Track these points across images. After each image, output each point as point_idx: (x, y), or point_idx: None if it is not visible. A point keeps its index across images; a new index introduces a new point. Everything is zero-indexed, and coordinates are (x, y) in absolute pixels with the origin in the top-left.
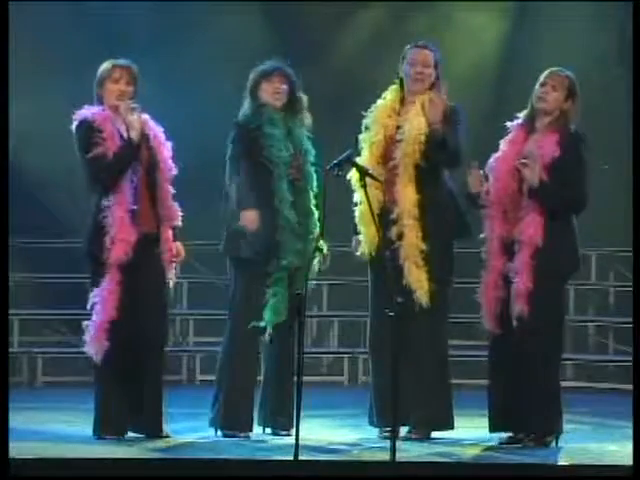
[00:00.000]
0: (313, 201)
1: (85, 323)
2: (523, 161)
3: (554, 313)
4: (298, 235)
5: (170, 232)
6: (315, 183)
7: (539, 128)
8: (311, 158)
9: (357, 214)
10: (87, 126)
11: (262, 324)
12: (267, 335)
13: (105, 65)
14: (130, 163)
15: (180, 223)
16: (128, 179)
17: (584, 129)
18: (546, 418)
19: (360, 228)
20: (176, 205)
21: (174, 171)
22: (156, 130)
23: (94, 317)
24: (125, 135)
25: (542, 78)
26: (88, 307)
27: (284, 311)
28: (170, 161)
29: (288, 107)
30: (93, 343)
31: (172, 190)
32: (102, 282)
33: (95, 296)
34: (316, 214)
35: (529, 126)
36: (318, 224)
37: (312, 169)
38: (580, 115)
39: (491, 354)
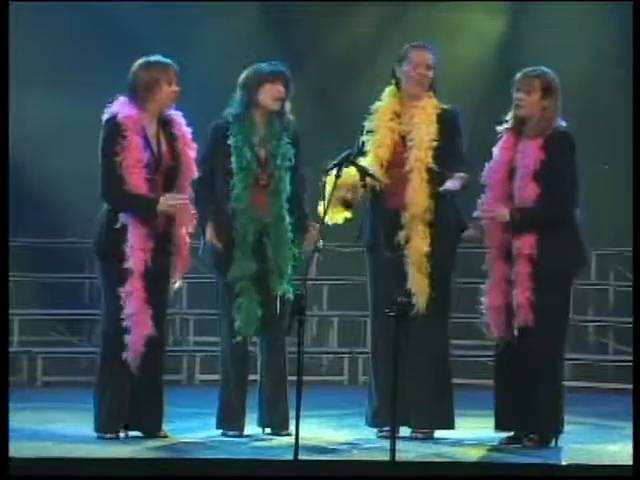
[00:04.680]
0: (286, 205)
1: (127, 337)
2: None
3: (557, 316)
4: (253, 244)
5: (186, 237)
6: (289, 187)
7: (525, 131)
8: (287, 162)
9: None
10: (112, 128)
11: (237, 339)
12: (238, 339)
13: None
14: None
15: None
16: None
17: (583, 129)
18: (550, 418)
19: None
20: (191, 209)
21: (195, 174)
22: (184, 130)
23: (133, 329)
24: (149, 147)
25: (516, 82)
26: (126, 321)
27: (255, 320)
28: (193, 164)
29: (278, 110)
30: (134, 353)
31: (191, 194)
32: (126, 289)
33: (129, 308)
34: (288, 218)
35: (518, 128)
36: (290, 228)
37: (287, 173)
38: (576, 113)
39: (496, 353)
